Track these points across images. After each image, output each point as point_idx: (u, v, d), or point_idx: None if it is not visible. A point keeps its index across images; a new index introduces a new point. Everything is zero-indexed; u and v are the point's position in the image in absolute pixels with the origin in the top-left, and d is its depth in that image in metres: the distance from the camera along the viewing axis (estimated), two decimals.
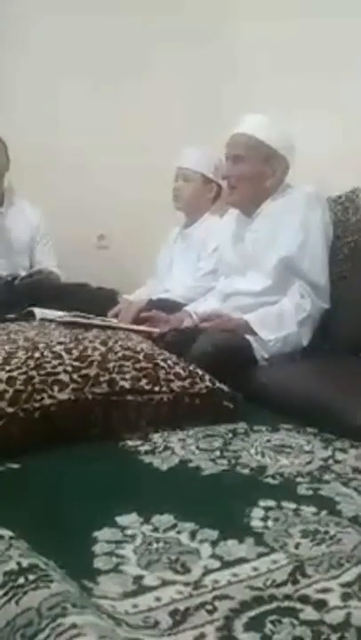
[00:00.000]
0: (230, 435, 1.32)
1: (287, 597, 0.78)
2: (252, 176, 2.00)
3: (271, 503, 1.02)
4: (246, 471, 1.16)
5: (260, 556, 0.88)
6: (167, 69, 2.74)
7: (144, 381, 1.39)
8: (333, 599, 0.78)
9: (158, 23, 2.74)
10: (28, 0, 3.00)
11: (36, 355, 1.36)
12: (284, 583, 0.81)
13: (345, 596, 0.79)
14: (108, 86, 2.88)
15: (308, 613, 0.75)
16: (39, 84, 2.97)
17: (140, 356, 1.44)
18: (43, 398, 1.27)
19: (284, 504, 1.02)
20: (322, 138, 2.15)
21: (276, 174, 2.03)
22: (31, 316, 1.84)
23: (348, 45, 2.18)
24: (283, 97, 2.27)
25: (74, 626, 0.67)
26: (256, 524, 0.96)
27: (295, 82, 2.31)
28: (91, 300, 2.33)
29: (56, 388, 1.29)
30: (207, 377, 1.46)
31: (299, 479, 1.12)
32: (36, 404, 1.26)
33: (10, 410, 1.23)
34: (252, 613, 0.75)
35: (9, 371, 1.30)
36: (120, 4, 2.85)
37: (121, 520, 0.95)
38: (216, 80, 2.59)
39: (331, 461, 1.19)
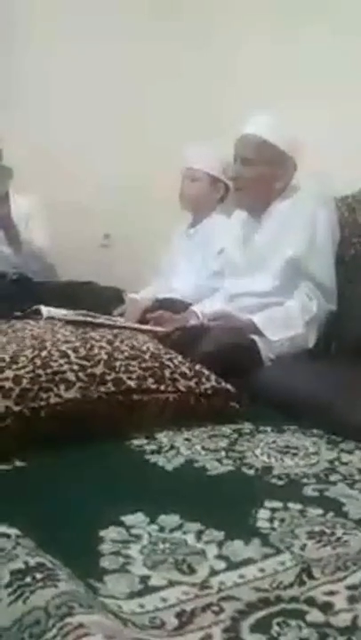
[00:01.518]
0: (236, 435, 1.32)
1: (294, 599, 0.78)
2: (262, 179, 2.00)
3: (277, 504, 1.02)
4: (252, 472, 1.16)
5: (266, 557, 0.88)
6: (171, 69, 2.74)
7: (150, 380, 1.39)
8: (340, 602, 0.78)
9: (158, 24, 2.74)
10: (30, 3, 3.00)
11: (43, 353, 1.36)
12: (290, 585, 0.81)
13: (351, 599, 0.78)
14: (114, 85, 2.88)
15: (315, 616, 0.75)
16: (43, 82, 2.98)
17: (147, 356, 1.44)
18: (49, 397, 1.27)
19: (291, 505, 1.01)
20: (327, 136, 2.14)
21: (285, 176, 2.03)
22: (38, 314, 1.84)
23: (353, 43, 2.17)
24: (287, 95, 2.27)
25: (81, 625, 0.67)
26: (262, 524, 0.96)
27: (300, 79, 2.30)
28: (96, 299, 2.33)
29: (62, 387, 1.30)
30: (213, 377, 1.46)
31: (304, 480, 1.12)
32: (43, 403, 1.26)
33: (16, 408, 1.23)
34: (259, 615, 0.75)
35: (16, 369, 1.30)
36: (118, 6, 2.85)
37: (127, 519, 0.95)
38: (220, 79, 2.59)
39: (337, 463, 1.19)
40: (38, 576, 0.76)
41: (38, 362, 1.33)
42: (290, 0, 2.37)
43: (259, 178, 2.00)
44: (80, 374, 1.33)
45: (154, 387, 1.38)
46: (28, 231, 2.67)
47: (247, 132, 2.02)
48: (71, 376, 1.32)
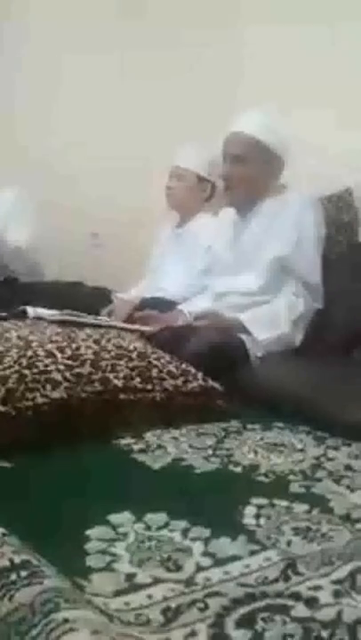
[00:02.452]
0: (223, 433, 1.33)
1: (279, 595, 0.79)
2: (252, 177, 2.00)
3: (263, 501, 1.02)
4: (239, 469, 1.16)
5: (252, 553, 0.88)
6: (165, 71, 2.74)
7: (137, 380, 1.39)
8: (325, 596, 0.78)
9: (155, 24, 2.74)
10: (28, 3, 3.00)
11: (29, 353, 1.36)
12: (275, 580, 0.82)
13: (336, 594, 0.79)
14: (108, 84, 2.88)
15: (300, 610, 0.76)
16: (36, 78, 2.96)
17: (133, 355, 1.45)
18: (35, 397, 1.27)
19: (277, 502, 1.02)
20: (315, 134, 2.15)
21: (274, 175, 2.04)
22: (24, 314, 1.83)
23: (344, 43, 2.18)
24: (275, 94, 2.27)
25: (66, 621, 0.67)
26: (248, 521, 0.96)
27: (289, 79, 2.31)
28: (84, 299, 2.33)
29: (49, 387, 1.29)
30: (200, 375, 1.47)
31: (291, 477, 1.12)
32: (29, 403, 1.26)
33: (2, 408, 1.23)
34: (244, 610, 0.76)
35: (1, 369, 1.29)
36: (117, 7, 2.85)
37: (113, 518, 0.96)
38: (210, 78, 2.59)
39: (323, 459, 1.20)
40: (23, 573, 0.76)
41: (24, 362, 1.33)
42: (290, 6, 2.37)
43: (249, 176, 2.01)
44: (66, 374, 1.33)
45: (141, 386, 1.38)
46: (6, 230, 2.59)
47: (238, 130, 2.02)
48: (57, 376, 1.32)
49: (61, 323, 1.69)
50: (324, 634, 0.71)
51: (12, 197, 2.65)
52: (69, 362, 1.36)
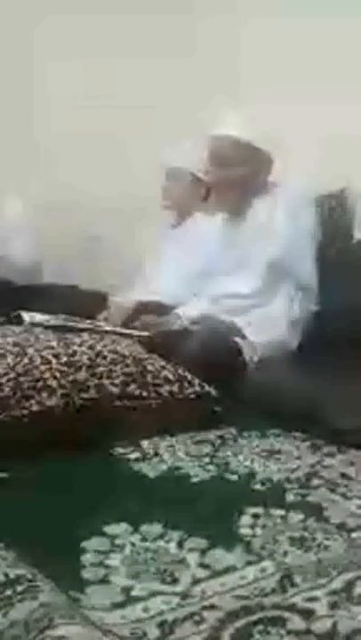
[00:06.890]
0: (219, 440, 1.33)
1: (275, 606, 0.79)
2: (241, 179, 2.00)
3: (259, 510, 1.02)
4: (235, 478, 1.16)
5: (248, 564, 0.88)
6: (162, 71, 2.73)
7: (133, 386, 1.39)
8: (320, 608, 0.79)
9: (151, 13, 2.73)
10: None
11: (25, 360, 1.36)
12: (271, 592, 0.82)
13: (332, 605, 0.79)
14: (106, 86, 2.87)
15: (296, 623, 0.76)
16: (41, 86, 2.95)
17: (129, 361, 1.44)
18: (31, 405, 1.27)
19: (273, 511, 1.02)
20: (308, 132, 2.14)
21: (263, 172, 2.03)
22: (19, 319, 1.82)
23: (333, 38, 2.18)
24: (269, 90, 2.27)
25: (61, 637, 0.67)
26: (244, 531, 0.96)
27: (281, 74, 2.30)
28: (80, 303, 2.32)
29: (44, 394, 1.29)
30: (196, 381, 1.47)
31: (287, 485, 1.12)
32: (25, 411, 1.25)
33: None
34: (240, 624, 0.76)
35: None
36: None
37: (110, 529, 0.96)
38: (200, 73, 2.58)
39: (319, 467, 1.20)
40: (19, 589, 0.76)
41: (20, 369, 1.33)
42: None
43: (238, 179, 1.99)
44: (62, 381, 1.33)
45: (137, 392, 1.38)
46: (9, 244, 2.51)
47: (221, 134, 2.01)
48: (53, 383, 1.32)
49: (57, 328, 1.69)
50: None
51: (14, 211, 2.62)
52: (65, 368, 1.36)
